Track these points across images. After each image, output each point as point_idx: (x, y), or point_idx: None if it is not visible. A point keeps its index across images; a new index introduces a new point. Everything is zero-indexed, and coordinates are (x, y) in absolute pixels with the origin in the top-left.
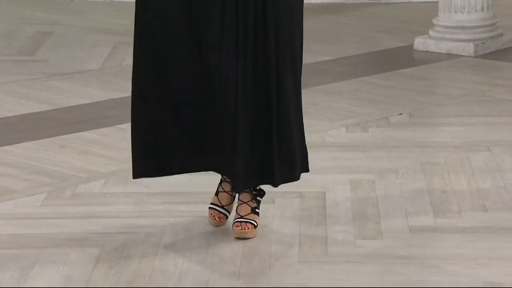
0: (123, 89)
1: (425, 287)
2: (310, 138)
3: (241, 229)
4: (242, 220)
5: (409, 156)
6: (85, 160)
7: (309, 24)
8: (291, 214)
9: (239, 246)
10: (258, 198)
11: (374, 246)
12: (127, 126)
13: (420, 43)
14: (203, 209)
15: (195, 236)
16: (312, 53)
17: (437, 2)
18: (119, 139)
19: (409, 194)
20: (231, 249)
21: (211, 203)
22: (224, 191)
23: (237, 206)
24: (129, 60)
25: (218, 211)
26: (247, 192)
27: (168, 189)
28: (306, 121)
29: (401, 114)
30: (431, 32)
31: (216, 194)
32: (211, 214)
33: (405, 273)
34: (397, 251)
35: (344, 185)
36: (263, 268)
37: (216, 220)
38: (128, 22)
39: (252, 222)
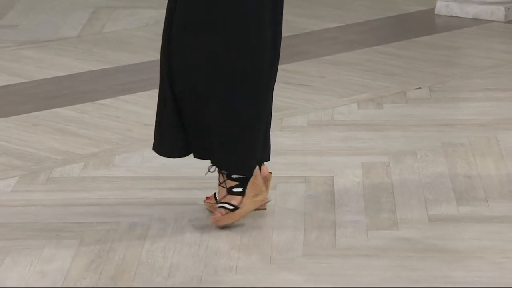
0: (104, 59)
1: (447, 285)
2: (316, 115)
3: (214, 217)
4: (216, 206)
5: (428, 136)
6: (61, 140)
7: None
8: (295, 202)
9: (236, 237)
10: (233, 176)
11: (389, 238)
12: (109, 102)
13: (442, 6)
14: (196, 196)
15: (187, 226)
16: (319, 19)
17: None
18: (99, 116)
19: (428, 179)
20: (228, 241)
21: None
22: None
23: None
24: (110, 27)
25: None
26: (220, 173)
27: (156, 173)
28: (311, 96)
29: (420, 88)
30: None
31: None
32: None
33: (424, 268)
34: (415, 244)
35: (355, 169)
36: (263, 262)
37: (205, 201)
38: None
39: (225, 205)
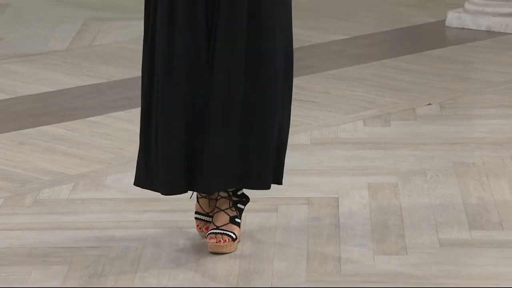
0: (95, 74)
1: None
2: (320, 133)
3: (216, 242)
4: (217, 231)
5: (439, 155)
6: (49, 160)
7: None
8: (298, 225)
9: (235, 262)
10: (239, 205)
11: (397, 264)
12: (100, 119)
13: (453, 18)
14: (192, 219)
15: (182, 250)
16: (322, 31)
17: None
18: (90, 134)
19: (439, 201)
20: (226, 266)
21: (195, 212)
22: (202, 196)
23: (213, 215)
24: (101, 39)
25: (203, 220)
26: (225, 197)
27: (149, 194)
28: (315, 112)
29: (430, 104)
30: (467, 5)
31: (197, 200)
32: (197, 225)
33: None
34: (425, 270)
35: (361, 190)
36: None
37: (203, 232)
38: None
39: (229, 234)
